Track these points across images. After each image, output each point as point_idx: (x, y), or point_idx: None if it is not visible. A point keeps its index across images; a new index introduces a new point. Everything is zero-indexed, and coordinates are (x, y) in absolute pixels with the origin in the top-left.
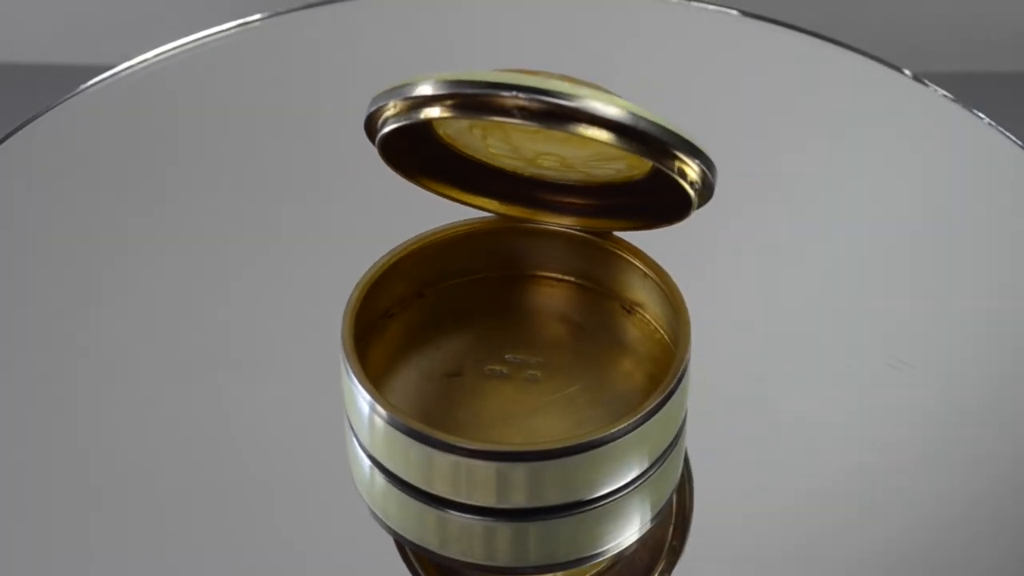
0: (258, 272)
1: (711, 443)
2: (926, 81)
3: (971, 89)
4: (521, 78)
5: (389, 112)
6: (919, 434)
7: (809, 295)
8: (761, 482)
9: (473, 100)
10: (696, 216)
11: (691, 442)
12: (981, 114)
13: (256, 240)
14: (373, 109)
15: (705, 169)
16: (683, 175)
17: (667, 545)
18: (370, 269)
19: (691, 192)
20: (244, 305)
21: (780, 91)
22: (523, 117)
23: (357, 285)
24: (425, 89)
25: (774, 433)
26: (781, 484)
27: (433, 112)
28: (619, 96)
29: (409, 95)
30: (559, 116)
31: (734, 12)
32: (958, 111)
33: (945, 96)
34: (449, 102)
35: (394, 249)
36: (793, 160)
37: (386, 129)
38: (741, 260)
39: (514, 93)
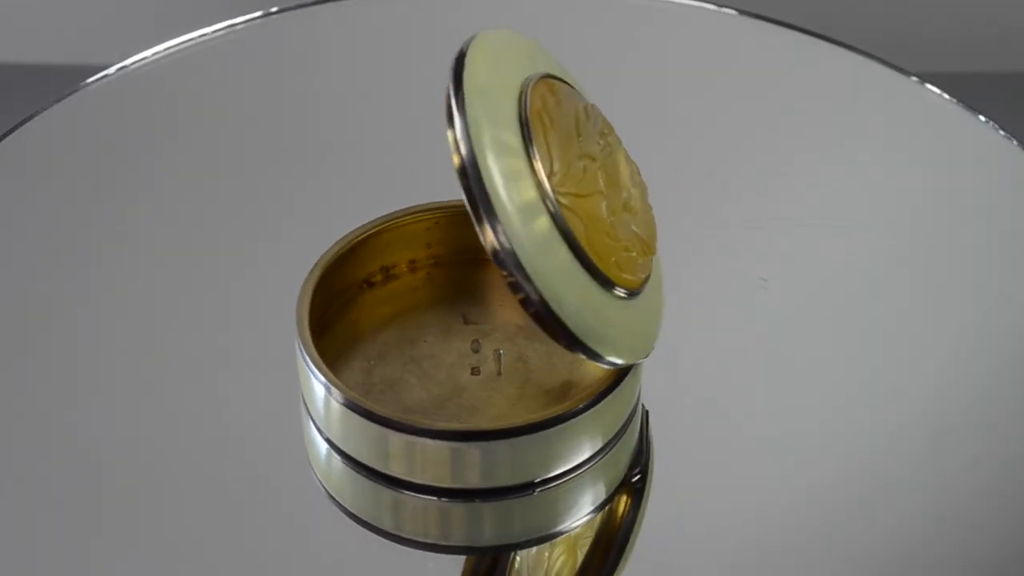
0: (226, 257)
1: (680, 438)
2: (926, 81)
3: (971, 89)
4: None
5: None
6: (910, 436)
7: (806, 295)
8: (729, 482)
9: (466, 188)
10: (695, 213)
11: (658, 437)
12: (981, 114)
13: (229, 228)
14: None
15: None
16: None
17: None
18: (326, 252)
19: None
20: (205, 290)
21: (780, 91)
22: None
23: (313, 268)
24: (459, 141)
25: (754, 432)
26: (757, 484)
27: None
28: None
29: (452, 130)
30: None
31: (734, 12)
32: (958, 111)
33: (945, 96)
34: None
35: (351, 233)
36: (792, 160)
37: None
38: (737, 259)
39: (486, 228)
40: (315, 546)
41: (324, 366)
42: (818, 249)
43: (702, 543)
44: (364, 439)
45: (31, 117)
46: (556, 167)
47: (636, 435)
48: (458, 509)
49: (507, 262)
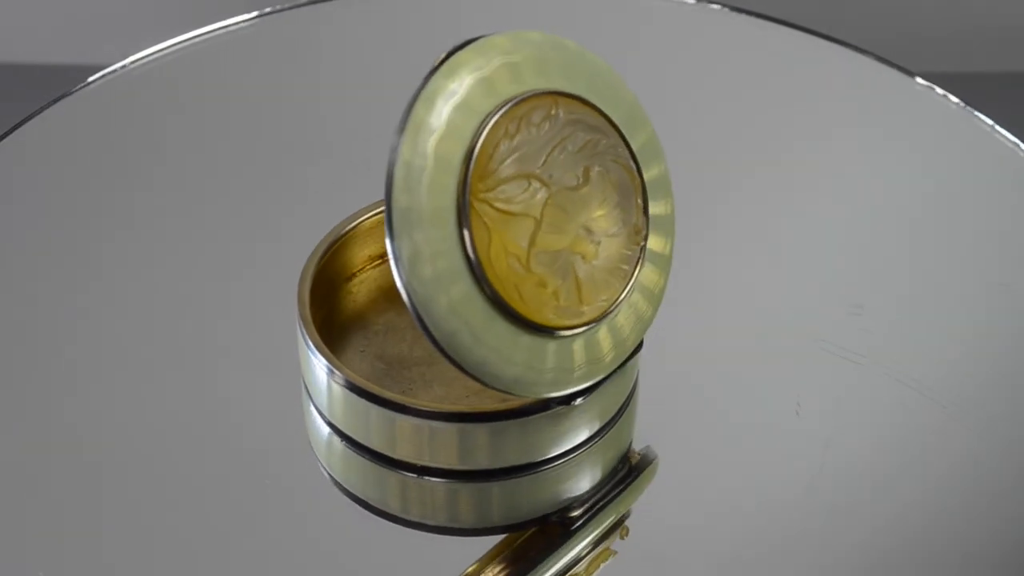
0: (227, 253)
1: (674, 426)
2: (926, 81)
3: (971, 89)
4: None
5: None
6: (909, 433)
7: (806, 294)
8: (725, 482)
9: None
10: (695, 211)
11: (652, 426)
12: (981, 114)
13: (229, 226)
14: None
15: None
16: None
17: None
18: (327, 236)
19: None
20: (206, 286)
21: (780, 91)
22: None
23: (314, 252)
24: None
25: (751, 433)
26: (752, 483)
27: None
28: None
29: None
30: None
31: (734, 11)
32: (958, 111)
33: (945, 96)
34: None
35: (350, 217)
36: (792, 160)
37: None
38: (738, 258)
39: (402, 287)
40: (317, 528)
41: (326, 348)
42: (816, 248)
43: (698, 536)
44: (363, 420)
45: (31, 117)
46: (491, 170)
47: (633, 419)
48: (439, 488)
49: (388, 230)
